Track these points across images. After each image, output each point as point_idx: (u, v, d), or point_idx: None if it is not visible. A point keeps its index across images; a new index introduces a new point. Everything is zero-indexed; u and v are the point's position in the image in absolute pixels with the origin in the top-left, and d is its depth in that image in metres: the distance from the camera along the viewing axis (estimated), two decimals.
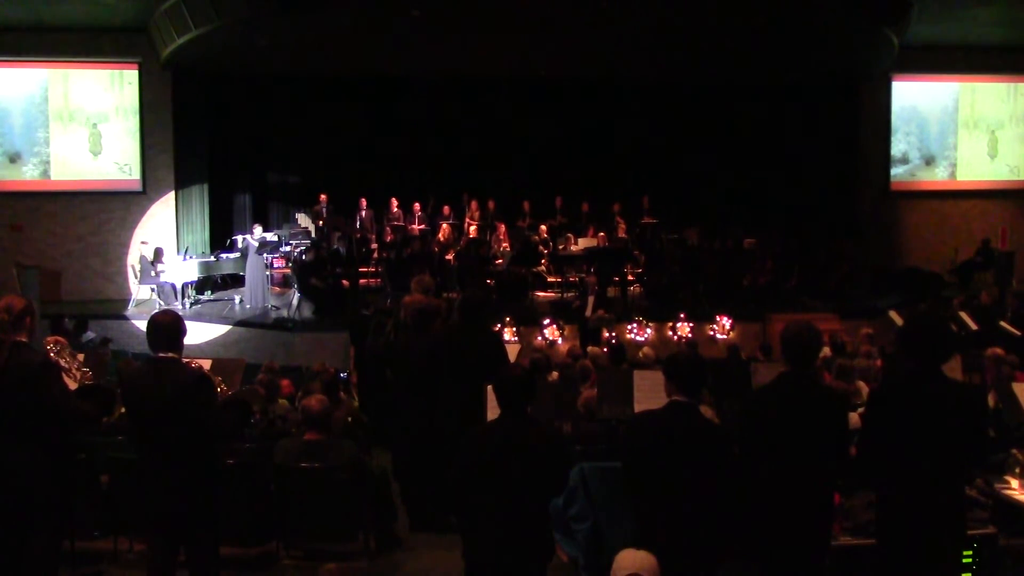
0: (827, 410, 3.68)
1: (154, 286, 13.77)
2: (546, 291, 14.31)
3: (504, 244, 14.59)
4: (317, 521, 5.06)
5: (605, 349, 9.86)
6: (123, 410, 4.87)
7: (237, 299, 13.73)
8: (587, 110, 16.47)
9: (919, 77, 17.06)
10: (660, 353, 8.90)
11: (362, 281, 13.98)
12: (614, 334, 12.12)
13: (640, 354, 9.11)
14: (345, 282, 13.38)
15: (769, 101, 16.34)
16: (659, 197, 15.83)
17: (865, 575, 3.91)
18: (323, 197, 15.11)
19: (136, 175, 15.13)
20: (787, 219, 15.97)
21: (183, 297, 13.57)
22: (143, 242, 14.42)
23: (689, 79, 16.21)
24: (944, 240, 16.82)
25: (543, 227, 14.75)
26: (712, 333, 12.95)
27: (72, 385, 4.45)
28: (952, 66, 16.86)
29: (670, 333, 12.89)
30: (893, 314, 11.02)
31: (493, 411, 4.25)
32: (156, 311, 9.81)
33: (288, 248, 14.46)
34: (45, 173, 15.05)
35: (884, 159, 17.17)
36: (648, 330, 12.69)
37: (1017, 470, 4.67)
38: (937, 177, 17.43)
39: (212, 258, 14.54)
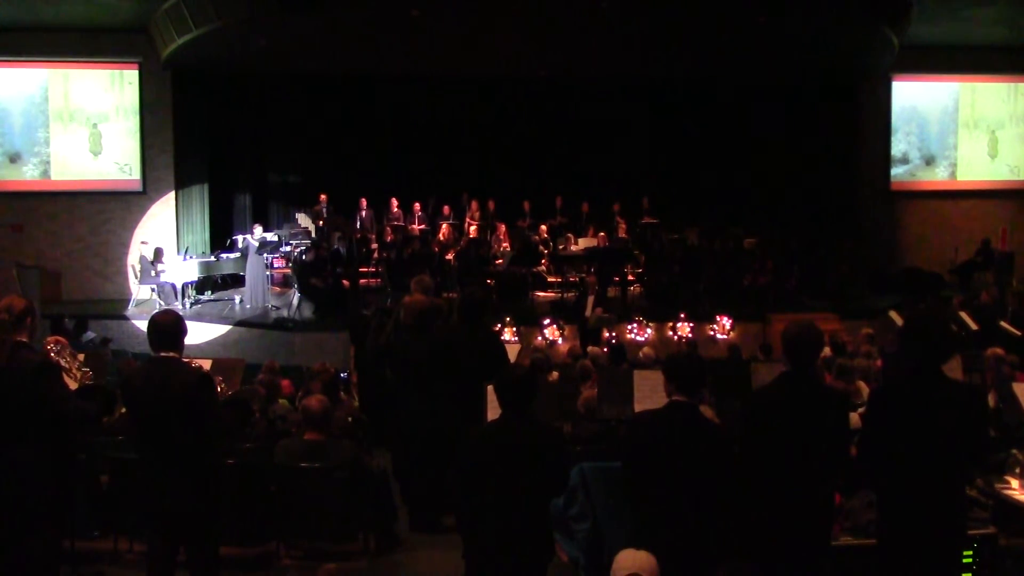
0: (827, 410, 3.67)
1: (154, 286, 13.76)
2: (546, 291, 14.30)
3: (504, 244, 14.61)
4: (317, 521, 5.06)
5: (605, 349, 9.88)
6: (123, 410, 4.87)
7: (237, 299, 13.73)
8: (587, 110, 16.45)
9: (919, 77, 17.06)
10: (660, 353, 8.90)
11: (362, 281, 13.97)
12: (614, 334, 12.13)
13: (640, 354, 9.10)
14: (345, 282, 13.38)
15: (769, 101, 16.33)
16: (659, 197, 15.86)
17: (865, 575, 3.91)
18: (323, 197, 15.12)
19: (136, 175, 15.14)
20: (787, 219, 15.98)
21: (183, 297, 13.57)
22: (143, 242, 14.41)
23: (689, 79, 16.22)
24: (944, 240, 16.79)
25: (543, 227, 14.77)
26: (712, 333, 12.97)
27: (72, 385, 4.45)
28: (952, 66, 16.85)
29: (670, 333, 12.91)
30: (893, 314, 11.03)
31: (493, 411, 4.25)
32: (156, 311, 9.86)
33: (288, 248, 14.48)
34: (45, 173, 15.05)
35: (884, 159, 17.17)
36: (648, 330, 12.70)
37: (1017, 470, 4.66)
38: (937, 177, 17.43)
39: (212, 258, 14.55)
